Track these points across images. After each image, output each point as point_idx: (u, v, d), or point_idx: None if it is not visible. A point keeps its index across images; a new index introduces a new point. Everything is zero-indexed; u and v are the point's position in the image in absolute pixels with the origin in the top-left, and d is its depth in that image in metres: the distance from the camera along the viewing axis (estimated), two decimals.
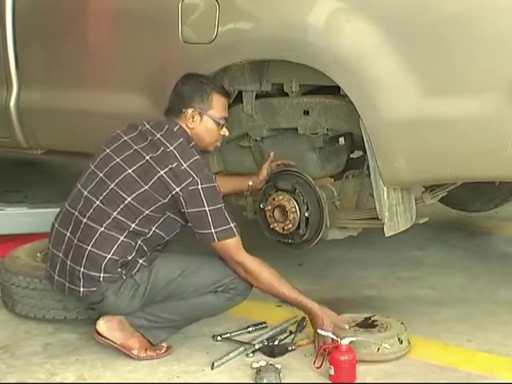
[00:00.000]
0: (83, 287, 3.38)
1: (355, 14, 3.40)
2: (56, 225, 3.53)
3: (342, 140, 3.84)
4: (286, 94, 3.81)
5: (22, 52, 4.59)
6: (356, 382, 3.23)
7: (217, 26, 3.71)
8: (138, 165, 3.39)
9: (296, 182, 3.75)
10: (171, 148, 3.39)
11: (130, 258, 3.37)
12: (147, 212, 3.37)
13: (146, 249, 3.43)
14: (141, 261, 3.40)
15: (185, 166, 3.34)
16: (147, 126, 3.50)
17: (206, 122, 3.52)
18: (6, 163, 6.17)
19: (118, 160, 3.44)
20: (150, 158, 3.39)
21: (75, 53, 4.39)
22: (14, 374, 3.38)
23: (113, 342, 3.44)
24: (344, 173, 3.97)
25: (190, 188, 3.32)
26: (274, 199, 3.79)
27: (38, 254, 4.08)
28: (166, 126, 3.47)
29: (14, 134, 4.72)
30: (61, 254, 3.45)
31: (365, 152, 3.56)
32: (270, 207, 3.80)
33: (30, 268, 3.90)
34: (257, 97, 3.87)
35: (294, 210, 3.73)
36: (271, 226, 3.81)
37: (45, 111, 4.58)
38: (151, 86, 4.05)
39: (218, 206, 3.36)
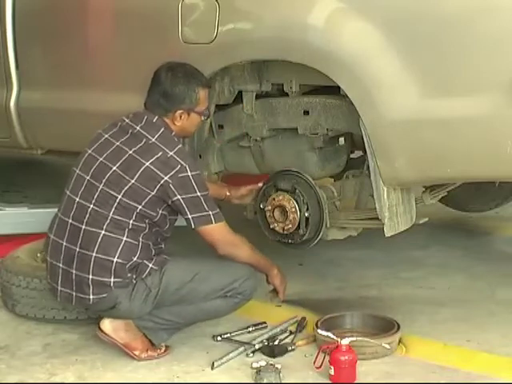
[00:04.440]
0: (93, 294, 3.35)
1: (355, 14, 3.40)
2: (51, 236, 3.49)
3: (342, 140, 3.84)
4: (286, 94, 3.81)
5: (22, 52, 4.59)
6: (356, 382, 3.23)
7: (217, 26, 3.71)
8: (122, 160, 3.38)
9: (296, 182, 3.75)
10: (153, 140, 3.39)
11: (135, 259, 3.35)
12: (140, 207, 3.35)
13: (149, 244, 3.41)
14: (150, 264, 3.38)
15: (171, 153, 3.35)
16: (126, 121, 3.49)
17: (192, 117, 3.53)
18: (6, 163, 6.16)
19: (101, 159, 3.42)
20: (134, 151, 3.38)
21: (75, 53, 4.39)
22: (14, 374, 3.38)
23: (116, 341, 3.44)
24: (344, 173, 3.97)
25: (180, 175, 3.32)
26: (274, 199, 3.79)
27: (38, 254, 4.08)
28: (145, 117, 3.46)
29: (13, 134, 4.72)
30: (61, 265, 3.42)
31: (365, 152, 3.56)
32: (269, 207, 3.80)
33: (30, 268, 3.90)
34: (257, 97, 3.87)
35: (294, 210, 3.73)
36: (271, 226, 3.81)
37: (45, 111, 4.58)
38: None
39: (207, 192, 3.40)
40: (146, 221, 3.38)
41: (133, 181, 3.34)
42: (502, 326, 3.70)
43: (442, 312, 3.88)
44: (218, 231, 3.43)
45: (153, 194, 3.34)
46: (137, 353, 3.44)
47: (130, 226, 3.36)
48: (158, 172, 3.33)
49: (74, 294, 3.39)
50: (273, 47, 3.61)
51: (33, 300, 3.81)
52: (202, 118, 3.60)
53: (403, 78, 3.31)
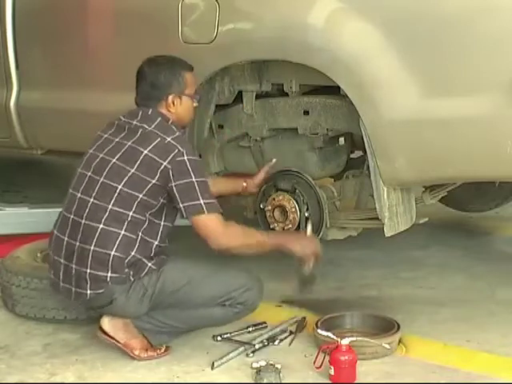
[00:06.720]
0: (90, 289, 3.35)
1: (355, 14, 3.41)
2: (55, 231, 3.51)
3: (342, 140, 3.84)
4: (286, 94, 3.81)
5: (22, 52, 4.59)
6: (356, 382, 3.23)
7: (217, 26, 3.72)
8: (121, 152, 3.39)
9: (296, 182, 3.75)
10: (150, 128, 3.40)
11: (133, 253, 3.35)
12: (141, 196, 3.34)
13: (147, 240, 3.39)
14: (149, 264, 3.37)
15: (168, 139, 3.36)
16: (122, 119, 3.50)
17: (184, 102, 3.51)
18: (6, 163, 6.17)
19: (101, 155, 3.44)
20: (132, 142, 3.39)
21: (75, 53, 4.39)
22: (14, 374, 3.37)
23: (116, 341, 3.44)
24: (344, 173, 3.98)
25: (177, 159, 3.32)
26: (274, 199, 3.79)
27: (38, 254, 4.08)
28: (140, 112, 3.47)
29: (13, 134, 4.72)
30: (62, 260, 3.43)
31: (365, 152, 3.57)
32: (269, 207, 3.80)
33: (30, 268, 3.90)
34: (257, 97, 3.88)
35: (294, 210, 3.73)
36: (271, 226, 3.81)
37: (45, 111, 4.58)
38: None
39: (204, 179, 3.38)
40: (146, 214, 3.37)
41: (133, 170, 3.35)
42: (502, 326, 3.70)
43: (441, 312, 3.88)
44: (209, 223, 3.36)
45: (154, 181, 3.34)
46: (136, 352, 3.44)
47: (130, 218, 3.35)
48: (157, 158, 3.33)
49: (73, 289, 3.40)
50: (273, 47, 3.61)
51: (33, 300, 3.81)
52: (194, 103, 3.56)
53: (403, 78, 3.31)
